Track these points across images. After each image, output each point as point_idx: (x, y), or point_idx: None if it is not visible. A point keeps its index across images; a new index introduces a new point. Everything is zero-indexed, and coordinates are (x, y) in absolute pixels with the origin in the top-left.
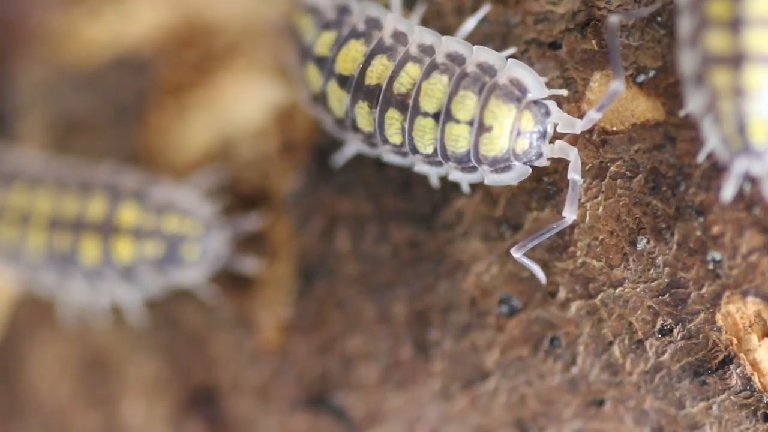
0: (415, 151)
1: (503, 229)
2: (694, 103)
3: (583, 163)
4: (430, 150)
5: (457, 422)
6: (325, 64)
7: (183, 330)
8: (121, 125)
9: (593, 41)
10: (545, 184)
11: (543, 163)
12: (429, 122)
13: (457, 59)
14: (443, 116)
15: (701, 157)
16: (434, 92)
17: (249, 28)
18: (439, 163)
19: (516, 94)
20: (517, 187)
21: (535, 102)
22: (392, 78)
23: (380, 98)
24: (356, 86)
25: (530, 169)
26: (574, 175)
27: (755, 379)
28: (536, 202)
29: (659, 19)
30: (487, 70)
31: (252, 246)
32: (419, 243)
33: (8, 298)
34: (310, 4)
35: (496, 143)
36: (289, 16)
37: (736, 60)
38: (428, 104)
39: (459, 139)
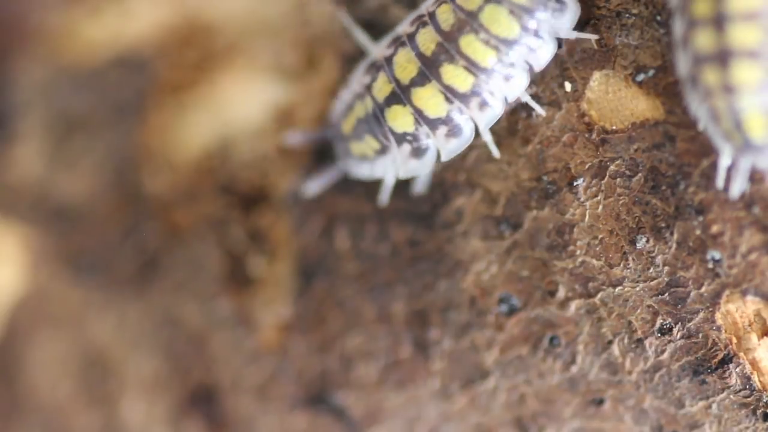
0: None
1: (503, 228)
2: (693, 105)
3: (582, 162)
4: (470, 82)
5: (457, 421)
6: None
7: (183, 330)
8: (121, 124)
9: (592, 40)
10: (545, 183)
11: None
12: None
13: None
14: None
15: (720, 182)
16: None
17: (249, 28)
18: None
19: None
20: (517, 186)
21: None
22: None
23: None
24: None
25: (579, 4)
26: None
27: (755, 378)
28: (536, 201)
29: (659, 18)
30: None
31: (252, 245)
32: (419, 242)
33: (8, 298)
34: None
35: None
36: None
37: (722, 57)
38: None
39: (484, 51)
